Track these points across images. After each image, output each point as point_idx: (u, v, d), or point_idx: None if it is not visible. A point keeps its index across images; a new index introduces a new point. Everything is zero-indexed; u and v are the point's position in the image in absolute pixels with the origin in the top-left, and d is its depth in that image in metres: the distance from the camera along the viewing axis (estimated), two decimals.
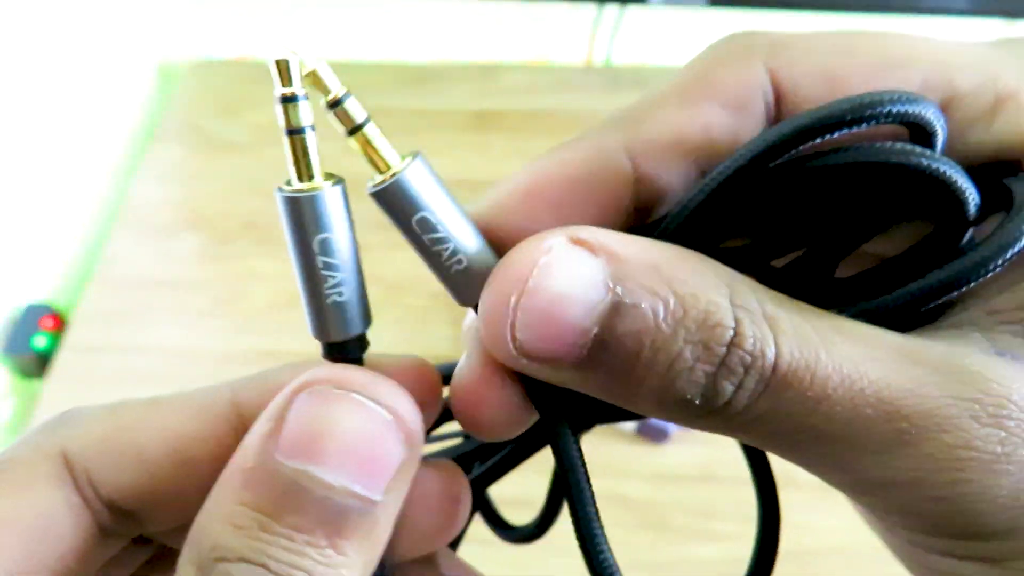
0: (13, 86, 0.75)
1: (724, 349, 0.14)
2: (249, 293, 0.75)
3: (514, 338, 0.14)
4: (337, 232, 0.17)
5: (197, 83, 0.96)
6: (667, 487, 0.62)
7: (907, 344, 0.15)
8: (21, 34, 0.76)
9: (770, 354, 0.14)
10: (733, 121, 0.16)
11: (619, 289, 0.14)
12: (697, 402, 0.14)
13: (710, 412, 0.14)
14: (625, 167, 0.16)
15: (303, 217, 0.17)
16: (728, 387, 0.14)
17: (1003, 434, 0.14)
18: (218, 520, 0.13)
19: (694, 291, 0.14)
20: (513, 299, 0.14)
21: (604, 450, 0.63)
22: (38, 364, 0.72)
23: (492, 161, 0.86)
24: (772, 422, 0.14)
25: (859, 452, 0.14)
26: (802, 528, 0.60)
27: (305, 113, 0.16)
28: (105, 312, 0.74)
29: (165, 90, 1.01)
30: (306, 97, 0.16)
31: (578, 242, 0.14)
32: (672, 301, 0.14)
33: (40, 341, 0.72)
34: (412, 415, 0.15)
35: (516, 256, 0.15)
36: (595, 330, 0.14)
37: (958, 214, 0.16)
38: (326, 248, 0.17)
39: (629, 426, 0.64)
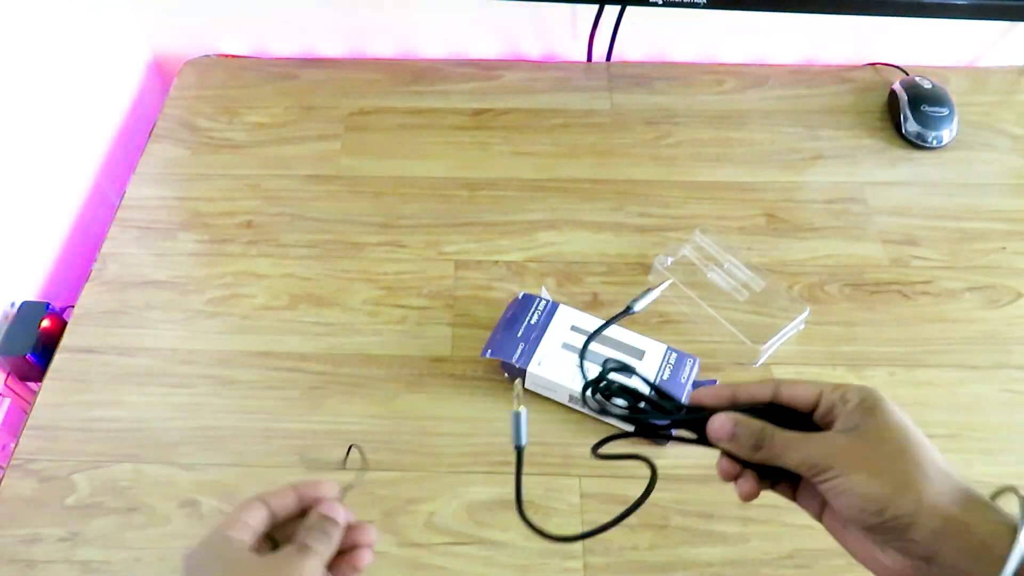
0: (8, 83, 0.75)
1: (759, 431, 0.41)
2: (247, 293, 0.75)
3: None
4: None
5: (195, 81, 0.96)
6: (667, 487, 0.62)
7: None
8: (18, 31, 0.76)
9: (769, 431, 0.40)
10: None
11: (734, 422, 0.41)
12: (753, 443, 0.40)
13: (760, 446, 0.40)
14: None
15: None
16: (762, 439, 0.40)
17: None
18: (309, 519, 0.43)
19: (750, 424, 0.41)
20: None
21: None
22: (36, 364, 0.71)
23: (492, 161, 0.86)
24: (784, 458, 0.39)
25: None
26: (803, 529, 0.60)
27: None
28: (102, 312, 0.74)
29: (163, 88, 1.01)
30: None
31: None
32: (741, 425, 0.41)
33: (37, 341, 0.72)
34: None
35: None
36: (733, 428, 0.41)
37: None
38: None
39: (628, 427, 0.63)
